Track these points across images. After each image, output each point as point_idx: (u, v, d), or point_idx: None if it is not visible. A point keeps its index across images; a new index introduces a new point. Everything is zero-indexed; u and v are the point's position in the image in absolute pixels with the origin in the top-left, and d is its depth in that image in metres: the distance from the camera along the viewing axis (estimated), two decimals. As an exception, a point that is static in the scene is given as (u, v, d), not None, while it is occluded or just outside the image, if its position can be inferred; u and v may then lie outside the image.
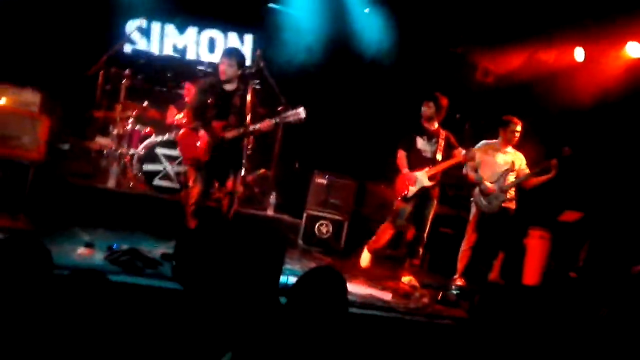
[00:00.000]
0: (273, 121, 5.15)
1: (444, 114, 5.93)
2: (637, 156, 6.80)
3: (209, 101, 5.17)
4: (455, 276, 6.07)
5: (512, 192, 6.08)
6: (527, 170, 6.08)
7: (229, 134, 5.11)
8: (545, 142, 6.79)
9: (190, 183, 5.28)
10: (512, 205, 6.09)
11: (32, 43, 7.06)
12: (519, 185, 6.07)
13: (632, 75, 6.74)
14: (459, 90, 7.53)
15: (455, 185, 7.10)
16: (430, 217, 5.96)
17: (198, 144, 5.10)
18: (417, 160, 5.88)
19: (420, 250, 5.99)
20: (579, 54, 7.20)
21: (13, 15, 7.02)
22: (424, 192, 5.86)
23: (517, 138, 6.07)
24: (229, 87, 5.23)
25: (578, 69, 7.16)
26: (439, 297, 5.48)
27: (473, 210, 6.15)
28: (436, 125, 5.95)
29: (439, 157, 5.90)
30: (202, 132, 5.11)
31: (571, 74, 7.13)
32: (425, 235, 5.97)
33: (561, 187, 6.72)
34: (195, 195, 5.16)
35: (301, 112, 5.16)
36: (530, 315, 3.11)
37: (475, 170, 6.08)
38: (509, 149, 6.13)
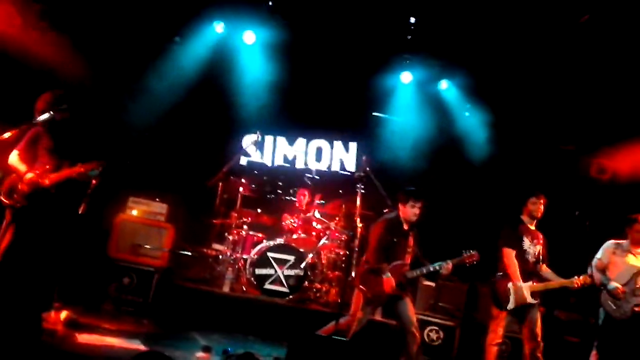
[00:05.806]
0: (452, 264, 5.14)
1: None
2: None
3: (394, 240, 5.18)
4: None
5: None
6: None
7: (410, 275, 5.20)
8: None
9: (355, 309, 5.25)
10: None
11: (160, 159, 7.80)
12: None
13: None
14: (572, 187, 7.31)
15: (577, 291, 6.59)
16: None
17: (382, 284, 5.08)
18: (522, 265, 5.44)
19: None
20: None
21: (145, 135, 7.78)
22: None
23: None
24: (406, 226, 5.29)
25: None
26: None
27: (602, 316, 5.73)
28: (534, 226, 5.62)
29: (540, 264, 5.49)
30: (388, 276, 5.09)
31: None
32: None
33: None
34: (355, 325, 5.13)
35: (476, 255, 5.18)
36: None
37: (603, 271, 5.71)
38: None
